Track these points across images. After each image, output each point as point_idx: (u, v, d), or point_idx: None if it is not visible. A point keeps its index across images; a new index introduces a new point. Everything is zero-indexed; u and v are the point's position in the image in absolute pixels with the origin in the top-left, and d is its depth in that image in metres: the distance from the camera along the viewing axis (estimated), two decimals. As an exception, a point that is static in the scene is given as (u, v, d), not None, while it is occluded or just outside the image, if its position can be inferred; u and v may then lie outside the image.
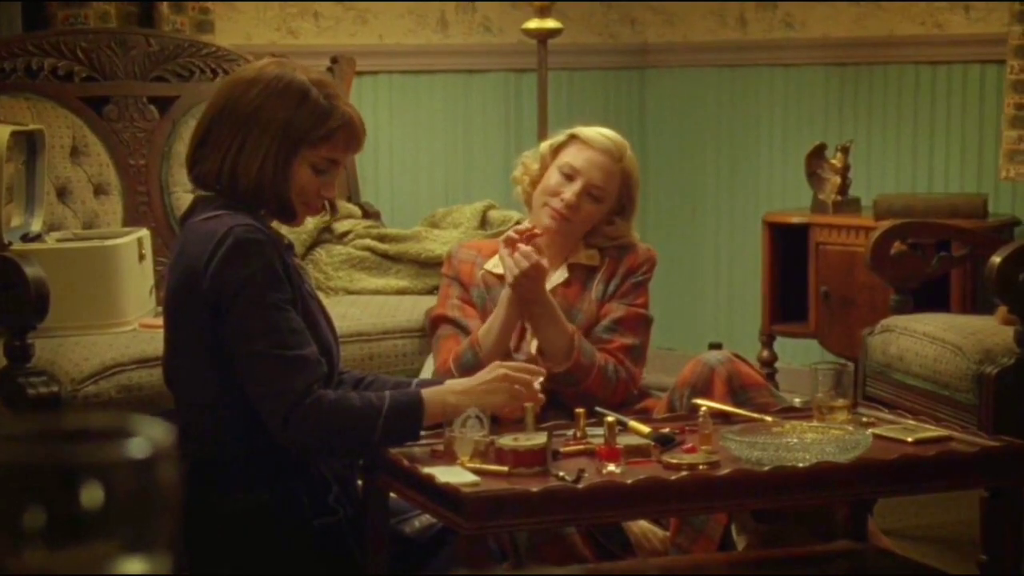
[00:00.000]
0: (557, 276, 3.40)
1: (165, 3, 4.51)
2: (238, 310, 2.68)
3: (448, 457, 2.75)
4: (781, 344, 5.15)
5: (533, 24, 4.74)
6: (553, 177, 3.39)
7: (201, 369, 2.76)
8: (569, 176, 3.38)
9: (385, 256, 4.26)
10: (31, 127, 3.76)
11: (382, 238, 4.29)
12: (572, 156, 3.40)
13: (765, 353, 5.06)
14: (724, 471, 2.65)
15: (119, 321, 3.60)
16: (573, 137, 3.44)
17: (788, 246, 5.08)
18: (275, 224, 2.87)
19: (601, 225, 3.44)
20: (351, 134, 2.83)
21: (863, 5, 5.34)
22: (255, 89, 2.77)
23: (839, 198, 4.98)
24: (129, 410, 3.42)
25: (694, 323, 5.91)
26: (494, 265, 3.39)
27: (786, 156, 5.56)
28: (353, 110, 2.87)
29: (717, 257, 5.85)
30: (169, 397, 3.44)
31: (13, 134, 3.61)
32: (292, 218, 2.86)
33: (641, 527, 3.13)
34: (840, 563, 3.01)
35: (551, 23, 4.71)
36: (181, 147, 4.26)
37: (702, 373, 3.17)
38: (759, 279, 5.28)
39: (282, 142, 2.76)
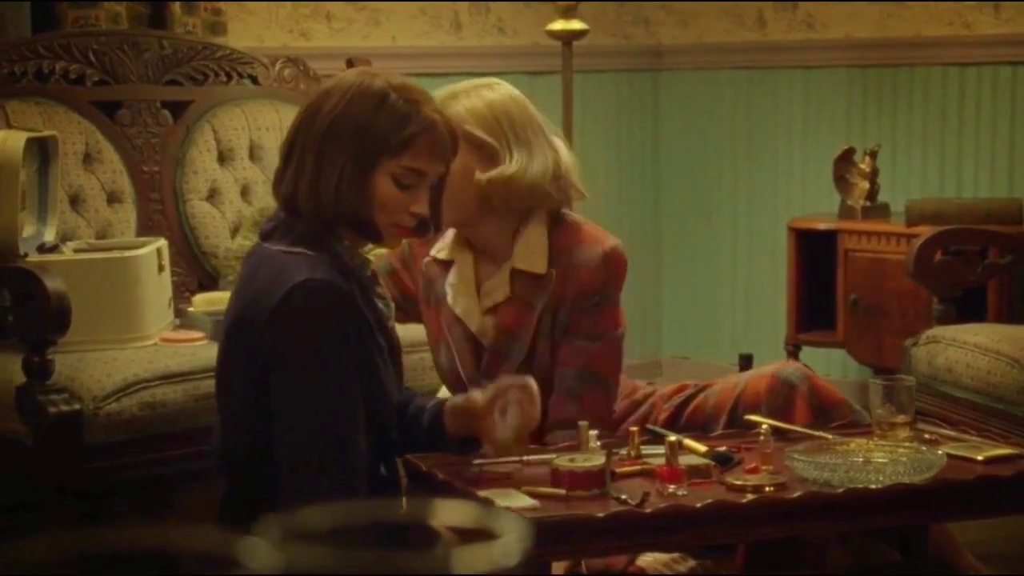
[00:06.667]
0: (493, 285, 2.97)
1: (177, 3, 4.35)
2: (290, 372, 2.47)
3: (504, 481, 2.62)
4: (807, 353, 5.01)
5: (558, 25, 4.56)
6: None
7: (246, 395, 2.57)
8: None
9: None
10: (45, 133, 3.59)
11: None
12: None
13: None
14: (796, 493, 2.52)
15: (140, 335, 3.45)
16: None
17: (812, 252, 4.95)
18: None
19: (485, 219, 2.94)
20: (434, 140, 2.60)
21: (887, 5, 5.20)
22: (332, 99, 2.58)
23: (868, 203, 4.86)
24: (152, 428, 3.27)
25: (712, 331, 5.78)
26: (438, 250, 3.04)
27: (806, 161, 5.43)
28: (440, 116, 2.64)
29: (735, 264, 5.71)
30: (191, 415, 3.33)
31: (27, 141, 3.45)
32: (379, 239, 2.64)
33: (652, 564, 2.91)
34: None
35: (576, 24, 4.53)
36: (195, 153, 4.11)
37: (781, 391, 2.95)
38: (780, 286, 5.15)
39: (359, 152, 2.55)
